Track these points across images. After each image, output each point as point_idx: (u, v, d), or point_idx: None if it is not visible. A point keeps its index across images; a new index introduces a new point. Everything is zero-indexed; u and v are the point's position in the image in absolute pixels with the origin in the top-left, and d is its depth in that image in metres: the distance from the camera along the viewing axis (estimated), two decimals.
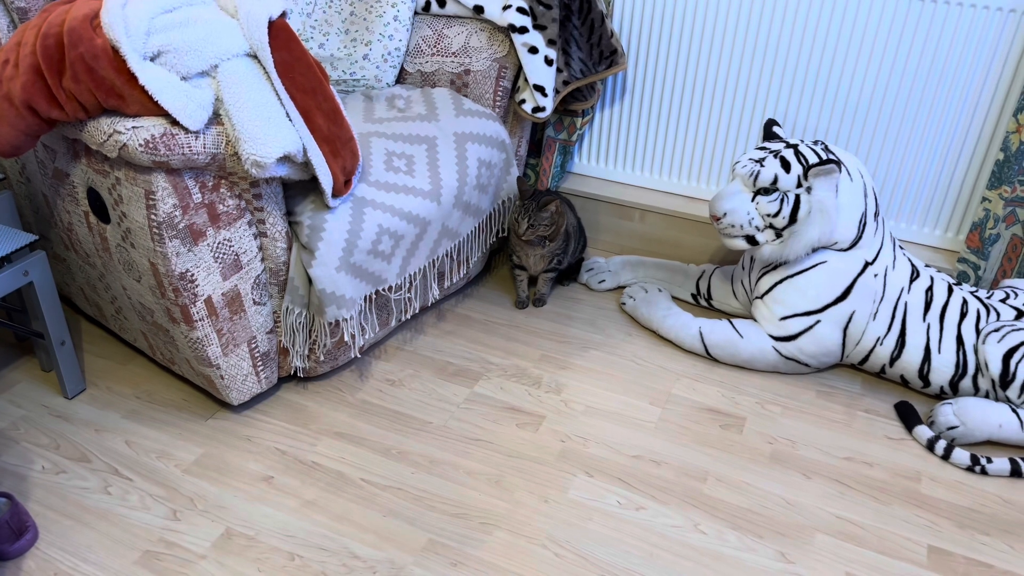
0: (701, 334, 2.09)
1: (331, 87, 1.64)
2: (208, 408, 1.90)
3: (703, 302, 2.31)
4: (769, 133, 2.04)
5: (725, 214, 1.94)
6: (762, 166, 1.90)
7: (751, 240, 1.96)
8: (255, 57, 1.54)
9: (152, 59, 1.47)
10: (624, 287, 2.39)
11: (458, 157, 2.04)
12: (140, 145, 1.44)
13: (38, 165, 1.76)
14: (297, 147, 1.54)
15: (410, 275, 1.98)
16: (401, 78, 2.28)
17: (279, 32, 1.54)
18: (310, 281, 1.78)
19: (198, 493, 1.68)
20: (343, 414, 1.90)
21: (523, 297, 2.30)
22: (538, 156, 2.53)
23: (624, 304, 2.28)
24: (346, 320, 1.82)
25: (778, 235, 1.94)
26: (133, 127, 1.45)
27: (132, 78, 1.42)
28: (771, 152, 1.93)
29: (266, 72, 1.53)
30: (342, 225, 1.76)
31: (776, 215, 1.90)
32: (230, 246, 1.66)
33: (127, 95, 1.43)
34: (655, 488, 1.72)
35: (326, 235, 1.73)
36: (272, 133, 1.50)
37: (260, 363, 1.83)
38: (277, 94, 1.53)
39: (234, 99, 1.49)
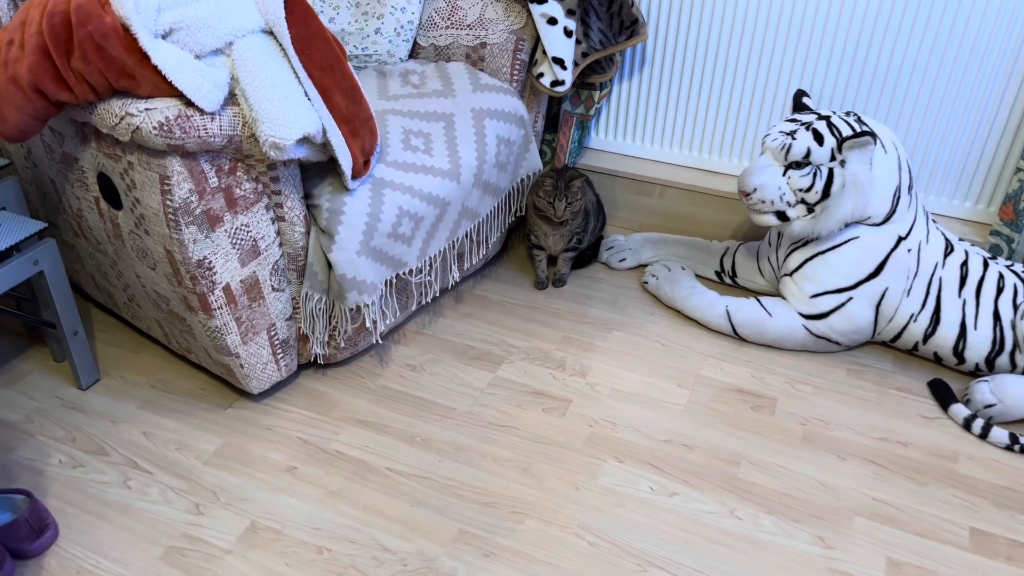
0: (728, 313, 2.04)
1: (349, 64, 1.57)
2: (226, 397, 1.85)
3: (727, 280, 2.25)
4: (799, 104, 1.98)
5: (755, 189, 1.88)
6: (794, 139, 1.84)
7: (781, 216, 1.90)
8: (271, 33, 1.47)
9: (164, 37, 1.40)
10: (645, 265, 2.34)
11: (476, 134, 1.97)
12: (154, 128, 1.38)
13: (45, 149, 1.70)
14: (316, 127, 1.48)
15: (430, 257, 1.93)
16: (414, 52, 2.20)
17: (296, 6, 1.47)
18: (329, 266, 1.72)
19: (220, 485, 1.63)
20: (364, 401, 1.85)
21: (542, 277, 2.24)
22: (554, 131, 2.47)
23: (646, 283, 2.23)
24: (367, 306, 1.76)
25: (810, 210, 1.88)
26: (146, 109, 1.39)
27: (144, 57, 1.35)
28: (802, 124, 1.86)
29: (283, 49, 1.46)
30: (362, 208, 1.70)
31: (808, 190, 1.84)
32: (248, 231, 1.60)
33: (139, 75, 1.37)
34: (687, 473, 1.68)
35: (346, 218, 1.67)
36: (290, 113, 1.44)
37: (280, 351, 1.78)
38: (295, 72, 1.46)
39: (250, 78, 1.42)
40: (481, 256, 2.13)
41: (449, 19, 2.14)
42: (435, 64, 2.13)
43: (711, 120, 2.35)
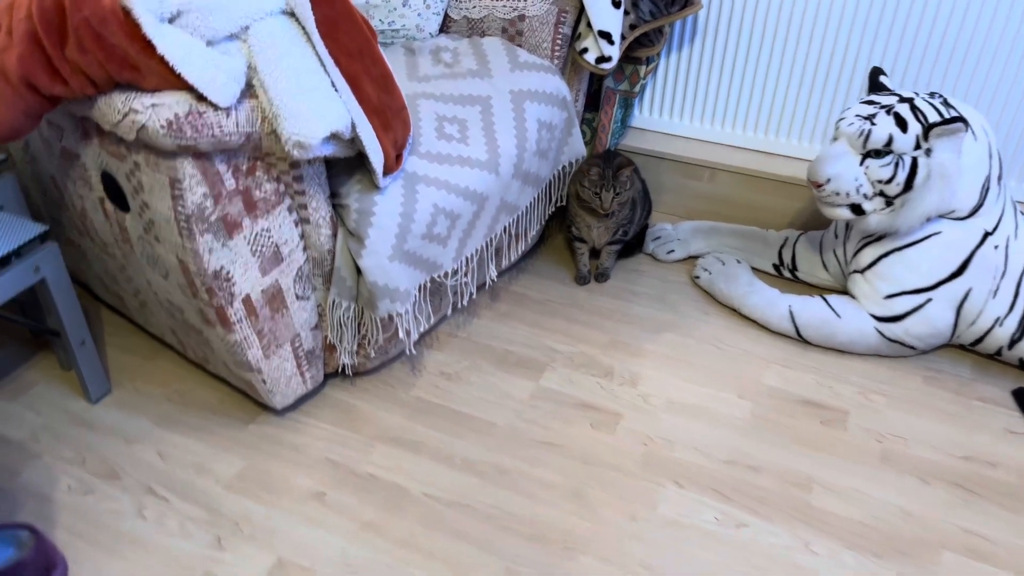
0: (791, 314, 1.87)
1: (379, 47, 1.39)
2: (248, 411, 1.71)
3: (786, 273, 2.07)
4: (875, 83, 1.78)
5: (828, 180, 1.69)
6: (873, 124, 1.64)
7: (856, 209, 1.72)
8: (292, 14, 1.29)
9: (170, 20, 1.22)
10: (695, 257, 2.16)
11: (516, 119, 1.79)
12: (162, 126, 1.21)
13: (43, 144, 1.53)
14: (345, 123, 1.30)
15: (466, 258, 1.75)
16: (445, 26, 2.01)
17: None
18: (358, 271, 1.56)
19: (243, 515, 1.49)
20: (397, 415, 1.70)
21: (584, 272, 2.07)
22: (595, 110, 2.27)
23: (698, 278, 2.05)
24: (400, 315, 1.60)
25: (888, 203, 1.69)
26: (152, 105, 1.21)
27: (148, 46, 1.17)
28: (882, 107, 1.67)
29: (306, 33, 1.28)
30: (394, 207, 1.53)
31: (889, 181, 1.66)
32: (269, 237, 1.44)
33: (143, 66, 1.19)
34: (755, 500, 1.53)
35: (376, 220, 1.50)
36: (316, 108, 1.26)
37: (305, 362, 1.62)
38: (320, 59, 1.28)
39: (270, 67, 1.24)
40: (520, 251, 1.96)
41: None
42: (469, 40, 1.94)
43: (769, 96, 2.14)
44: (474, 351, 1.86)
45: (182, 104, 1.22)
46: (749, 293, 1.93)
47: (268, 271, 1.47)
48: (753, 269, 2.10)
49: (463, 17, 1.98)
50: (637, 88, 2.18)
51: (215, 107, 1.23)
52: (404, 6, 1.91)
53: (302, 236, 1.50)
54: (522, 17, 1.91)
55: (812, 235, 2.06)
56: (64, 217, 1.67)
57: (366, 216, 1.50)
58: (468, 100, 1.77)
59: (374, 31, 1.38)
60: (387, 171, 1.48)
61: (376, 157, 1.40)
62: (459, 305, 1.86)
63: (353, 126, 1.34)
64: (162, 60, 1.18)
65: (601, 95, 2.22)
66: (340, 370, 1.75)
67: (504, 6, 1.92)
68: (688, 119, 2.27)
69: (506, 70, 1.85)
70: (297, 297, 1.54)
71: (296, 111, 1.25)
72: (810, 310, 1.85)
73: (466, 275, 1.78)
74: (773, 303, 1.90)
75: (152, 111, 1.21)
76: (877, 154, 1.65)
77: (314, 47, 1.27)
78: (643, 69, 2.15)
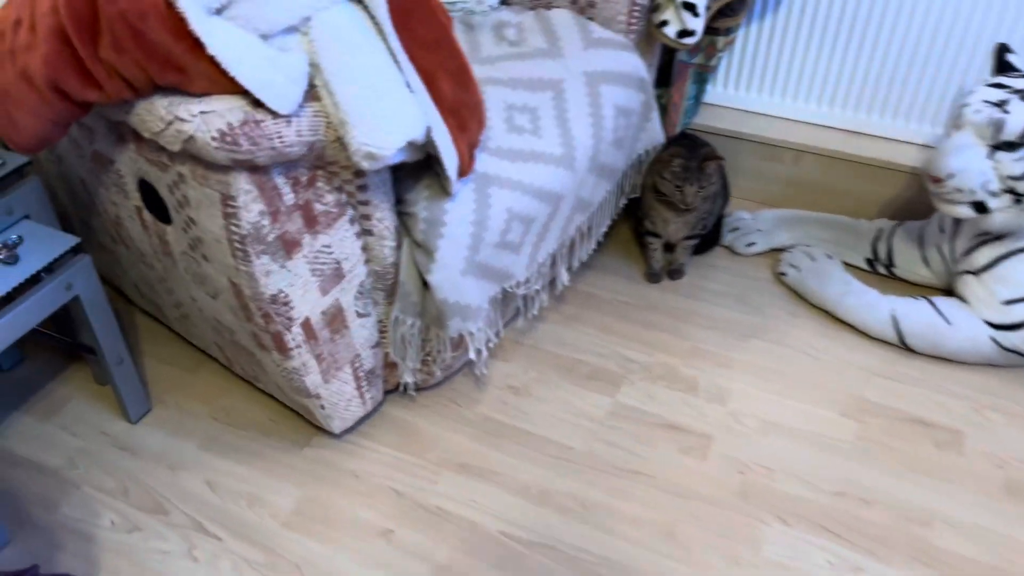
0: (895, 319, 1.69)
1: (455, 33, 1.20)
2: (301, 431, 1.56)
3: (881, 269, 1.89)
4: (1002, 63, 1.57)
5: (951, 175, 1.50)
6: (1006, 111, 1.45)
7: (980, 207, 1.53)
8: (360, 2, 1.10)
9: (218, 11, 1.04)
10: (778, 250, 1.97)
11: (591, 105, 1.60)
12: (213, 138, 1.03)
13: (71, 145, 1.36)
14: (421, 129, 1.12)
15: (539, 263, 1.58)
16: None
17: None
18: (425, 285, 1.39)
19: (304, 556, 1.35)
20: (463, 436, 1.54)
21: (656, 269, 1.89)
22: (665, 86, 2.07)
23: (785, 275, 1.87)
24: (472, 334, 1.44)
25: (1018, 200, 1.50)
26: (201, 112, 1.04)
27: (196, 44, 0.99)
28: (1016, 92, 1.47)
29: (376, 23, 1.09)
30: (465, 215, 1.35)
31: (1021, 177, 1.46)
32: (330, 253, 1.27)
33: (190, 68, 1.01)
34: (871, 539, 1.37)
35: (447, 230, 1.33)
36: (389, 113, 1.08)
37: (364, 382, 1.47)
38: (392, 55, 1.10)
39: (336, 66, 1.06)
40: (590, 250, 1.78)
41: None
42: (534, 13, 1.74)
43: (863, 69, 1.93)
44: (542, 361, 1.70)
45: (236, 112, 1.04)
46: (845, 294, 1.75)
47: (328, 290, 1.30)
48: (844, 264, 1.91)
49: None
50: (714, 62, 1.97)
51: (274, 114, 1.06)
52: None
53: (364, 249, 1.33)
54: None
55: (910, 227, 1.87)
56: (95, 222, 1.51)
57: (436, 226, 1.32)
58: (538, 85, 1.57)
59: (450, 16, 1.19)
60: (461, 174, 1.30)
61: (451, 162, 1.22)
62: (530, 316, 1.69)
63: (428, 130, 1.16)
64: (212, 61, 1.00)
65: (672, 69, 2.02)
66: (401, 387, 1.59)
67: None
68: (769, 94, 2.06)
69: (579, 48, 1.65)
70: (358, 315, 1.38)
71: (367, 117, 1.07)
72: (915, 315, 1.68)
73: (537, 282, 1.61)
74: (873, 306, 1.72)
75: (201, 120, 1.03)
76: (1010, 146, 1.45)
77: (386, 40, 1.09)
78: (721, 40, 1.94)
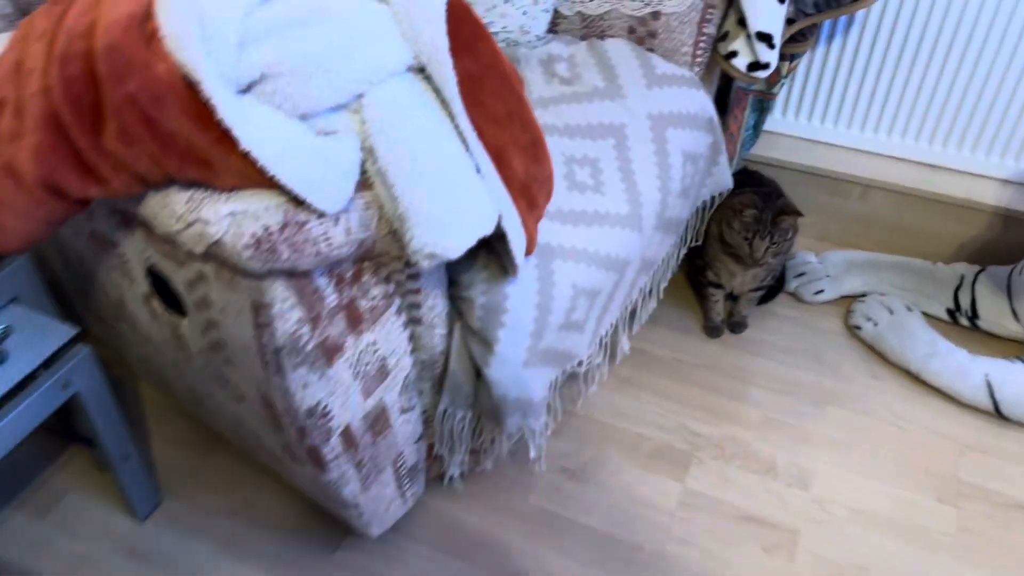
0: (989, 384, 1.52)
1: (527, 96, 1.00)
2: (332, 530, 1.38)
3: (964, 321, 1.71)
4: None
5: None
6: None
7: None
8: (422, 71, 0.90)
9: (249, 88, 0.84)
10: (848, 297, 1.79)
11: (657, 153, 1.40)
12: (246, 245, 0.84)
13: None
14: (492, 223, 0.93)
15: (602, 336, 1.40)
16: (553, 24, 1.60)
17: (461, 22, 0.89)
18: (477, 374, 1.20)
19: None
20: (515, 534, 1.36)
21: (717, 322, 1.71)
22: (722, 114, 1.87)
23: (860, 329, 1.69)
24: (533, 431, 1.25)
25: None
26: (231, 214, 0.84)
27: (224, 135, 0.80)
28: None
29: (441, 98, 0.90)
30: (529, 298, 1.16)
31: None
32: (375, 351, 1.08)
33: (217, 163, 0.82)
34: None
35: (509, 317, 1.14)
36: (456, 207, 0.89)
37: (407, 479, 1.28)
38: (460, 135, 0.90)
39: (393, 151, 0.86)
40: (651, 309, 1.59)
41: None
42: (587, 44, 1.54)
43: (941, 96, 1.74)
44: (598, 436, 1.52)
45: (273, 213, 0.85)
46: (931, 356, 1.58)
47: (372, 391, 1.11)
48: (923, 314, 1.73)
49: (576, 13, 1.57)
50: (776, 89, 1.77)
51: (320, 213, 0.86)
52: (506, 2, 1.50)
53: (411, 338, 1.14)
54: (656, 15, 1.51)
55: (995, 272, 1.69)
56: (94, 298, 1.31)
57: (496, 314, 1.13)
58: (599, 131, 1.38)
59: (521, 78, 1.00)
60: (526, 253, 1.11)
61: (519, 247, 1.03)
62: (588, 392, 1.51)
63: (499, 217, 0.96)
64: (246, 156, 0.80)
65: (730, 96, 1.82)
66: (447, 480, 1.41)
67: (632, 1, 1.51)
68: (834, 122, 1.87)
69: (641, 86, 1.45)
70: (402, 411, 1.19)
71: (430, 214, 0.87)
72: (1014, 381, 1.50)
73: (599, 355, 1.42)
74: (964, 370, 1.54)
75: (231, 223, 0.84)
76: None
77: (454, 119, 0.89)
78: (785, 67, 1.74)
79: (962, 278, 1.72)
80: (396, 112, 0.87)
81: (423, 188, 0.87)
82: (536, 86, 1.46)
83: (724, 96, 1.86)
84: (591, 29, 1.57)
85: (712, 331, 1.72)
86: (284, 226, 0.85)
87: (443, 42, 0.85)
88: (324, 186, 0.83)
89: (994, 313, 1.67)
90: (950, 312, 1.72)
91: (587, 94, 1.43)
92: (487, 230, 0.92)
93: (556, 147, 1.34)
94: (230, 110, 0.79)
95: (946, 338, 1.63)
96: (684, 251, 1.64)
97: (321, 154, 0.82)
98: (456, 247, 0.89)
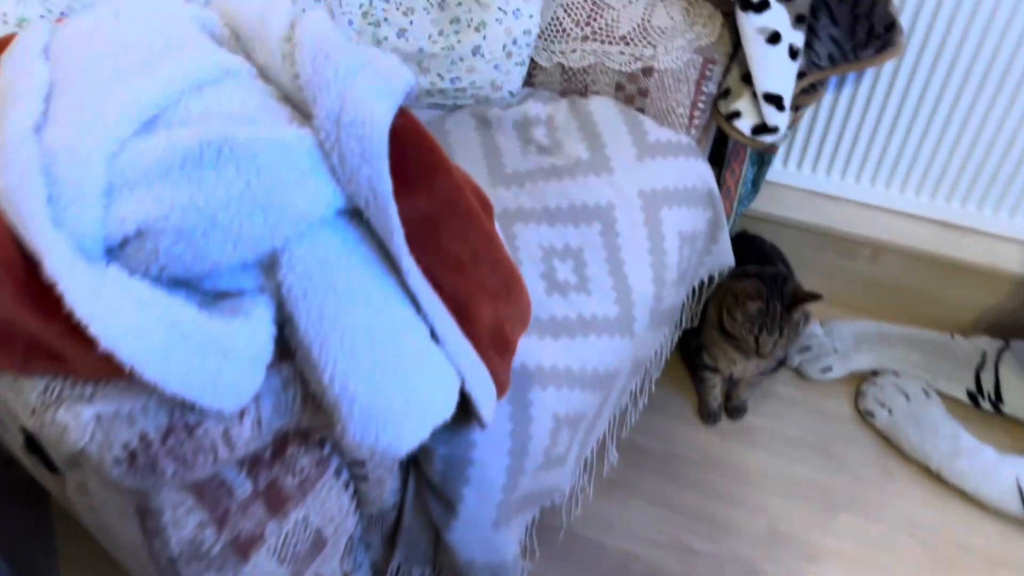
0: (1020, 490, 1.34)
1: (497, 229, 0.79)
2: None
3: (987, 405, 1.53)
4: None
5: None
6: None
7: None
8: (357, 214, 0.68)
9: (122, 245, 0.62)
10: (858, 373, 1.61)
11: (651, 238, 1.20)
12: (118, 460, 0.62)
13: None
14: (451, 404, 0.72)
15: (586, 458, 1.20)
16: (529, 76, 1.39)
17: (412, 149, 0.68)
18: (437, 535, 1.00)
19: None
20: None
21: (714, 408, 1.52)
22: (717, 167, 1.67)
23: (872, 416, 1.51)
24: None
25: None
26: (96, 418, 0.62)
27: (77, 328, 0.58)
28: None
29: (384, 249, 0.68)
30: (501, 444, 0.96)
31: None
32: (307, 527, 0.87)
33: (70, 357, 0.60)
34: None
35: (475, 472, 0.94)
36: (407, 394, 0.68)
37: None
38: (411, 296, 0.69)
39: (319, 326, 0.65)
40: (640, 408, 1.39)
41: (589, 25, 1.31)
42: (568, 103, 1.32)
43: (962, 150, 1.55)
44: (582, 559, 1.32)
45: (153, 414, 0.63)
46: (955, 454, 1.40)
47: (304, 568, 0.90)
48: (940, 395, 1.55)
49: (555, 64, 1.35)
50: (779, 140, 1.57)
51: (219, 413, 0.65)
52: (476, 55, 1.28)
53: (354, 496, 0.93)
54: (648, 70, 1.30)
55: (1021, 350, 1.51)
56: None
57: (460, 467, 0.93)
58: (583, 215, 1.17)
59: (490, 206, 0.78)
60: (498, 398, 0.90)
61: (487, 408, 0.82)
62: (571, 515, 1.32)
63: (461, 385, 0.75)
64: (107, 355, 0.58)
65: (726, 148, 1.62)
66: None
67: (623, 53, 1.30)
68: (842, 174, 1.67)
69: (630, 157, 1.24)
70: (344, 575, 0.99)
71: (370, 407, 0.66)
72: None
73: (582, 477, 1.22)
74: (992, 472, 1.37)
75: (96, 429, 0.62)
76: None
77: (402, 274, 0.68)
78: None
79: (984, 355, 1.54)
80: (322, 272, 0.65)
81: (358, 373, 0.66)
82: (510, 156, 1.24)
83: (720, 147, 1.65)
84: (572, 84, 1.36)
85: (709, 417, 1.52)
86: (168, 432, 0.63)
87: (384, 185, 0.64)
88: (220, 382, 0.62)
89: (1020, 398, 1.49)
90: (971, 395, 1.54)
91: (569, 168, 1.22)
92: (443, 416, 0.71)
93: (533, 237, 1.13)
94: (85, 297, 0.57)
95: (967, 424, 1.46)
96: (678, 336, 1.44)
97: (215, 344, 0.61)
98: (403, 443, 0.68)
